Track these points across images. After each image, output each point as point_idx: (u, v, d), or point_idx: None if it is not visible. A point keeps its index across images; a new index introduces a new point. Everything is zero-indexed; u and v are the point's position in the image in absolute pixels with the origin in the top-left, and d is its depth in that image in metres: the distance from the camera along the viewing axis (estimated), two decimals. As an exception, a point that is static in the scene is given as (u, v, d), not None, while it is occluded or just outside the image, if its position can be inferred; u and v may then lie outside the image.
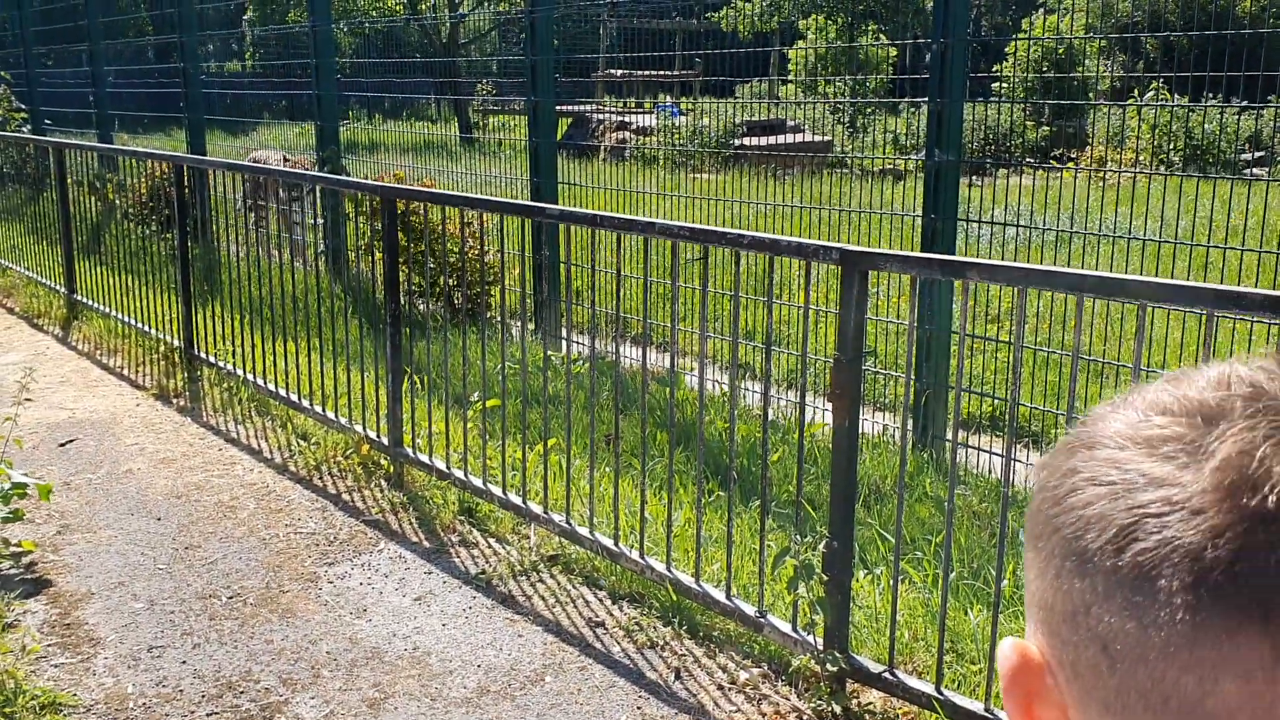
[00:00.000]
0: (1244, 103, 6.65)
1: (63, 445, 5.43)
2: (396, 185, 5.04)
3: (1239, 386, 0.56)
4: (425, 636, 3.65)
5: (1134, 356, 2.53)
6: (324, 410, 5.19)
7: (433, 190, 5.50)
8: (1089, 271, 2.55)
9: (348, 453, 5.02)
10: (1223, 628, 0.51)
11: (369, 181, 5.53)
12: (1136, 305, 2.48)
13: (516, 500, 4.17)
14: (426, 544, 4.29)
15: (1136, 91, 8.64)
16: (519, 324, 6.34)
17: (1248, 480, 0.52)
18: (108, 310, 7.41)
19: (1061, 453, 0.60)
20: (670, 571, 3.68)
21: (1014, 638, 0.62)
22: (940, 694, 3.01)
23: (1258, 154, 8.91)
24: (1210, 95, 7.01)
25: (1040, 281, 2.63)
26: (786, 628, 3.35)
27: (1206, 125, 7.86)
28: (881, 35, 10.60)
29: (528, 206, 4.49)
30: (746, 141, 8.91)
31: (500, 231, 4.46)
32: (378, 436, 4.83)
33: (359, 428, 4.95)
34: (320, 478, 4.95)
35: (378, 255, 4.67)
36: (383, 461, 4.87)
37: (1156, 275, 4.90)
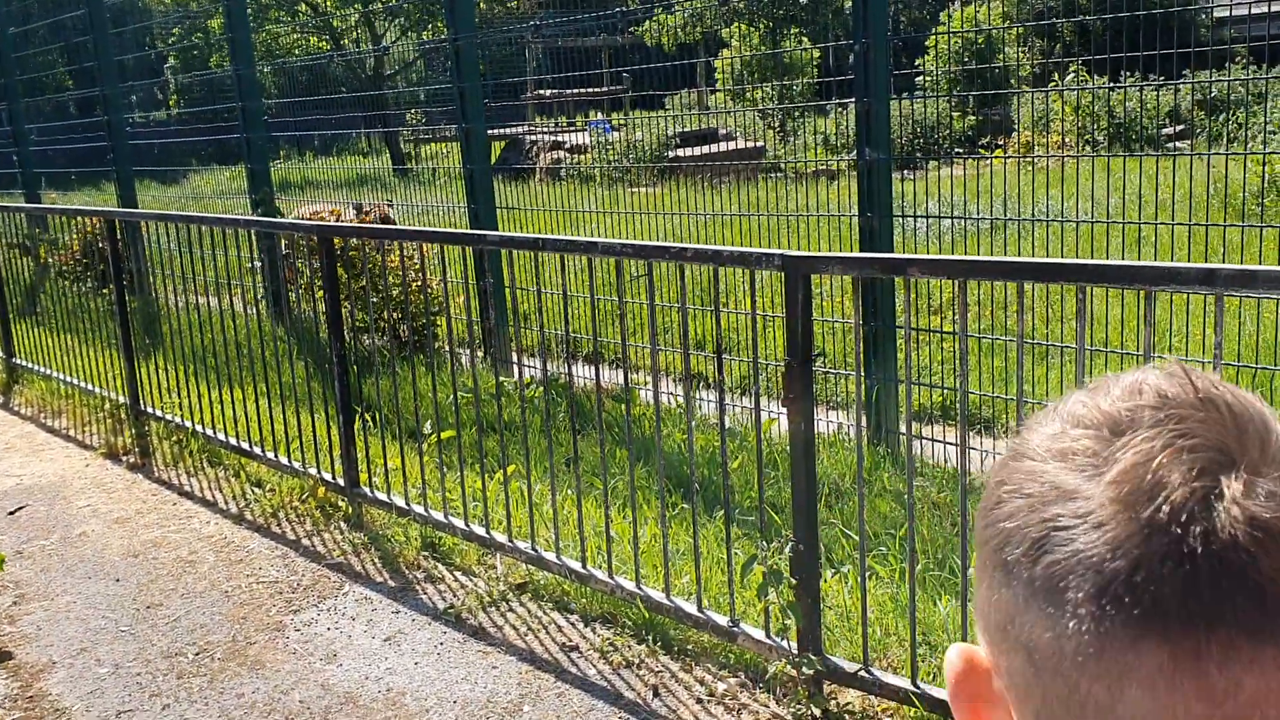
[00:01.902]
0: (1160, 79, 6.80)
1: (12, 514, 5.32)
2: (332, 224, 5.01)
3: (1148, 395, 0.57)
4: (398, 677, 3.61)
5: (1076, 338, 2.58)
6: (277, 455, 5.13)
7: (369, 225, 5.47)
8: (1027, 259, 2.59)
9: (304, 497, 4.97)
10: (1125, 637, 0.52)
11: (304, 221, 5.50)
12: (1076, 287, 2.52)
13: (480, 531, 4.15)
14: (392, 583, 4.25)
15: (1056, 75, 8.80)
16: (468, 352, 6.32)
17: (1144, 490, 0.53)
18: (49, 372, 7.28)
19: (1000, 463, 0.61)
20: (640, 589, 3.67)
21: (962, 644, 0.63)
22: (916, 688, 3.03)
23: (1179, 128, 9.10)
24: (1128, 74, 7.17)
25: (980, 272, 2.67)
26: (760, 635, 3.36)
27: (1127, 104, 8.02)
28: (804, 39, 10.71)
29: (467, 235, 4.48)
30: (680, 153, 8.95)
31: (441, 260, 4.44)
32: (333, 478, 4.79)
33: (314, 470, 4.90)
34: (279, 524, 4.89)
35: (318, 295, 4.63)
36: (340, 503, 4.83)
37: (1092, 254, 4.99)
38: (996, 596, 0.58)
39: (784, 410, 3.22)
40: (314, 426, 4.93)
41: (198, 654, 3.86)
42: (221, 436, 5.51)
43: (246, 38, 7.74)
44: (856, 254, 3.28)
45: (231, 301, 5.91)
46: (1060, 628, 0.54)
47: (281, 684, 3.63)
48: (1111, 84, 6.72)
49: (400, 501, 4.47)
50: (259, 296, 5.89)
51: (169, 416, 5.97)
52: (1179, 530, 0.52)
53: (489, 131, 9.01)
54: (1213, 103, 8.48)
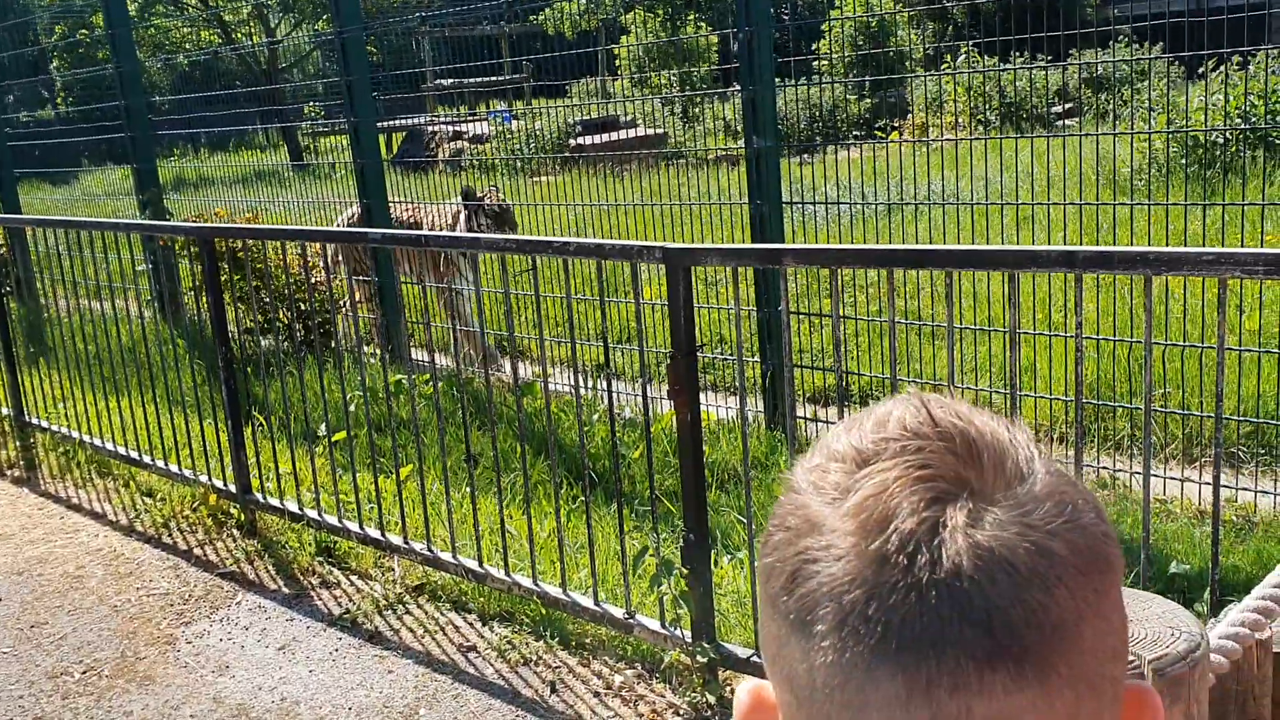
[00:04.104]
0: (1049, 59, 6.93)
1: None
2: (213, 225, 4.89)
3: (892, 428, 0.58)
4: (293, 686, 3.55)
5: (947, 318, 2.62)
6: (167, 464, 5.00)
7: (252, 226, 5.35)
8: (896, 247, 2.62)
9: (196, 505, 4.85)
10: (864, 667, 0.53)
11: (185, 224, 5.36)
12: (944, 271, 2.56)
13: (375, 534, 4.09)
14: (286, 590, 4.17)
15: (949, 57, 8.93)
16: (364, 350, 6.22)
17: (876, 521, 0.54)
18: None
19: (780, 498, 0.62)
20: (537, 585, 3.65)
21: (753, 681, 0.63)
22: (808, 671, 3.06)
23: (1067, 105, 9.31)
24: (1017, 54, 7.30)
25: (851, 260, 2.69)
26: (655, 625, 3.37)
27: (1017, 83, 8.17)
28: (703, 25, 10.74)
29: (348, 233, 4.41)
30: (582, 141, 8.92)
31: (324, 259, 4.36)
32: (225, 485, 4.68)
33: (205, 478, 4.79)
34: (170, 535, 4.77)
35: (204, 299, 4.53)
36: (233, 510, 4.72)
37: (987, 234, 5.07)
38: (767, 631, 0.59)
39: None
40: (203, 433, 4.82)
41: (84, 672, 3.75)
42: (110, 446, 5.36)
43: (128, 34, 7.52)
44: (734, 245, 3.29)
45: (125, 305, 5.75)
46: (811, 660, 0.55)
47: (171, 699, 3.54)
48: (1002, 65, 6.83)
49: (293, 506, 4.39)
50: (148, 300, 5.73)
51: (55, 428, 5.79)
52: (906, 560, 0.53)
53: (387, 123, 8.87)
54: (1099, 81, 8.68)
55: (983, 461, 0.56)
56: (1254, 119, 6.41)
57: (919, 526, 0.53)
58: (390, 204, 6.45)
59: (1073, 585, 0.54)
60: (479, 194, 6.29)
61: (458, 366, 3.87)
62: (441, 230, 5.99)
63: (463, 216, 6.20)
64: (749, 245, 3.82)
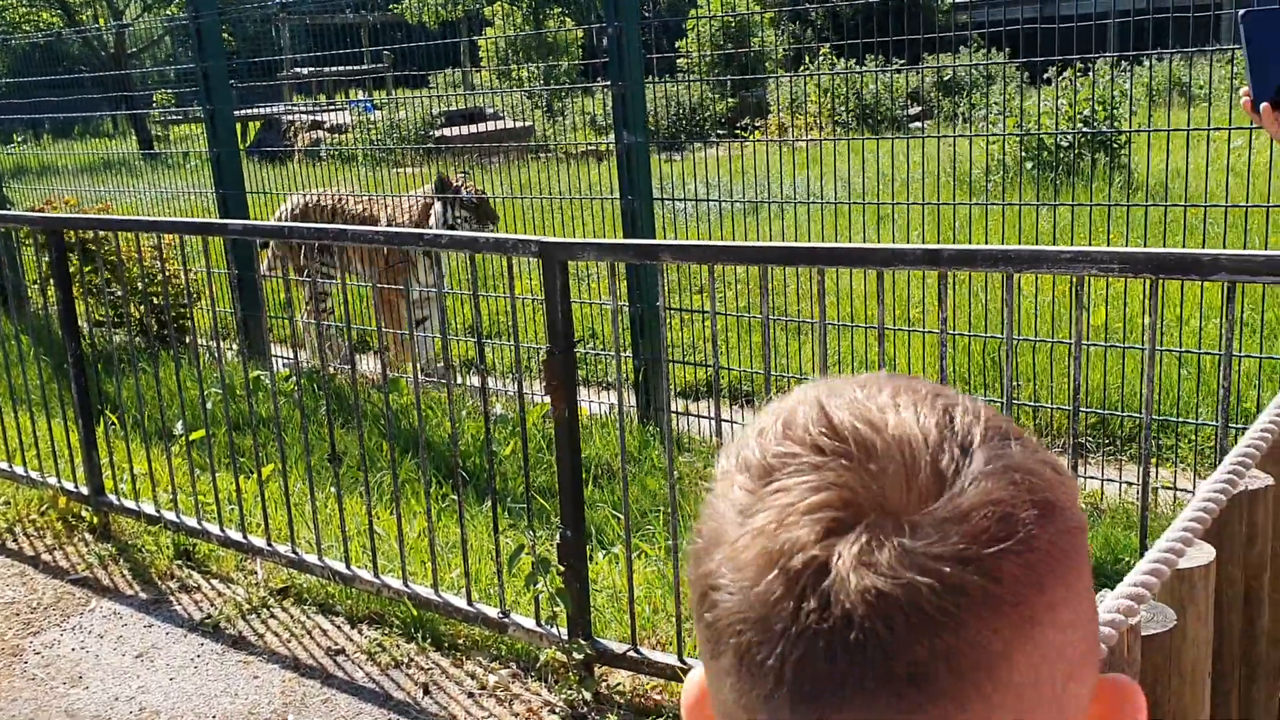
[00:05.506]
0: (903, 62, 7.14)
1: None
2: (62, 215, 4.65)
3: (794, 435, 0.54)
4: (152, 695, 3.42)
5: (819, 315, 2.67)
6: (11, 466, 4.75)
7: (105, 216, 5.11)
8: (770, 245, 2.67)
9: (44, 509, 4.62)
10: (762, 705, 0.50)
11: (31, 214, 5.09)
12: (814, 269, 2.61)
13: (236, 536, 3.96)
14: (143, 595, 4.01)
15: (809, 59, 9.12)
16: (224, 345, 6.01)
17: (770, 557, 0.50)
18: None
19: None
20: (408, 586, 3.59)
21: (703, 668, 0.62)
22: (684, 663, 3.09)
23: (919, 108, 9.60)
24: (873, 58, 7.50)
25: (727, 257, 2.72)
26: (530, 624, 3.35)
27: (875, 86, 8.39)
28: (566, 19, 10.71)
29: (208, 224, 4.26)
30: (446, 132, 8.81)
31: (180, 250, 4.20)
32: (76, 487, 4.47)
33: (54, 480, 4.56)
34: (15, 540, 4.53)
35: (50, 293, 4.31)
36: (85, 513, 4.52)
37: (849, 233, 5.20)
38: (698, 634, 0.57)
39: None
40: (51, 432, 4.59)
41: (-79, 689, 3.54)
42: (-54, 448, 5.05)
43: (-40, 11, 7.09)
44: (611, 240, 3.30)
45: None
46: (722, 687, 0.53)
47: (18, 714, 3.37)
48: (858, 68, 7.00)
49: (150, 508, 4.22)
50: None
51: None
52: (793, 604, 0.49)
53: (243, 112, 8.59)
54: (950, 84, 8.98)
55: (888, 475, 0.51)
56: (1094, 123, 6.72)
57: (805, 568, 0.49)
58: (350, 198, 5.94)
59: (995, 621, 0.48)
60: (454, 182, 5.73)
61: (322, 361, 3.78)
62: (407, 227, 5.47)
63: (436, 209, 5.67)
64: (626, 240, 3.83)
